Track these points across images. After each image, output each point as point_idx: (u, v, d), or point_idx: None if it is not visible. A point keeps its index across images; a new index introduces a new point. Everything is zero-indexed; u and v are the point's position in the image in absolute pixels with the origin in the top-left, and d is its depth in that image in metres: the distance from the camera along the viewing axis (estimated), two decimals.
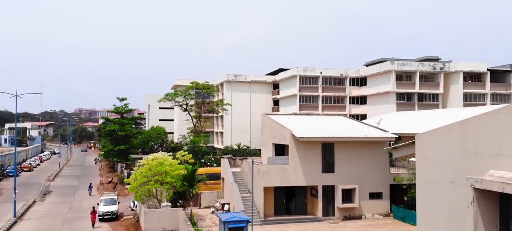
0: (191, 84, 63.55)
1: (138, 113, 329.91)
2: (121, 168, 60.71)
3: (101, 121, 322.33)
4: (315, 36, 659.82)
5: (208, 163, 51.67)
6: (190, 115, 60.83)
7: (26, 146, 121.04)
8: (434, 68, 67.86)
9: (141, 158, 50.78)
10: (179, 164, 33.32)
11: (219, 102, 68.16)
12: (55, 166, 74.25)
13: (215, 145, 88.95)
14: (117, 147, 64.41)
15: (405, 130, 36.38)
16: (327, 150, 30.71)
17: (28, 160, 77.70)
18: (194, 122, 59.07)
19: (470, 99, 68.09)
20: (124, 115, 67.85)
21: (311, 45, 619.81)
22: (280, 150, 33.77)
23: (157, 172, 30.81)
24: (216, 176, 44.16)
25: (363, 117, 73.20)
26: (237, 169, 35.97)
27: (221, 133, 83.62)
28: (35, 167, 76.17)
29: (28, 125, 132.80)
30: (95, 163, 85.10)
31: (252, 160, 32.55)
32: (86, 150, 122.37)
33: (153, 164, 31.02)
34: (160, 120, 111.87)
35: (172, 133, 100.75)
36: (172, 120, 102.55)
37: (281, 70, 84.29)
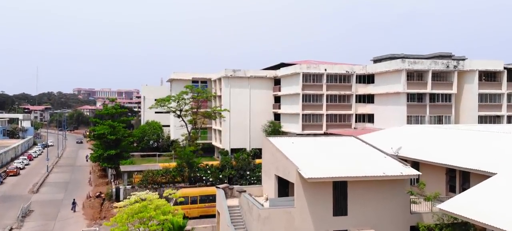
0: (186, 88, 58.56)
1: (136, 96, 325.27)
2: (112, 176, 56.55)
3: (99, 103, 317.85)
4: (319, 28, 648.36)
5: (204, 178, 47.35)
6: (184, 121, 56.25)
7: (18, 137, 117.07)
8: (448, 66, 63.15)
9: (131, 174, 47.06)
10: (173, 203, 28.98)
11: (217, 109, 63.58)
12: (45, 167, 69.99)
13: (213, 142, 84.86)
14: (107, 152, 60.14)
15: (424, 155, 32.06)
16: (339, 190, 26.40)
17: (15, 162, 73.47)
18: (189, 130, 54.54)
19: (485, 100, 63.61)
20: (115, 116, 63.25)
21: (314, 38, 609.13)
22: (284, 183, 29.50)
23: (140, 218, 26.51)
24: (213, 198, 39.93)
25: (370, 117, 68.92)
26: (235, 201, 31.75)
27: (220, 131, 79.34)
28: (22, 168, 72.00)
29: (20, 116, 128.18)
30: (87, 160, 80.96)
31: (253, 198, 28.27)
32: (81, 142, 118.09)
33: (135, 209, 26.67)
34: (156, 113, 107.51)
35: (168, 126, 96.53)
36: (168, 112, 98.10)
37: (282, 65, 79.58)
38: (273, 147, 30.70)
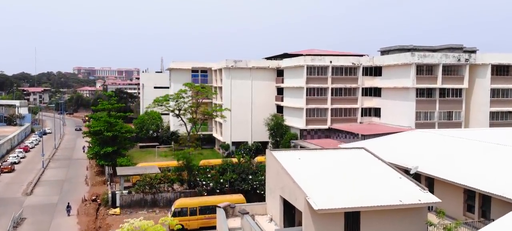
0: (185, 86, 55.84)
1: (136, 78, 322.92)
2: (109, 175, 54.43)
3: (98, 84, 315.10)
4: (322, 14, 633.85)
5: (204, 183, 45.10)
6: (183, 121, 53.68)
7: (15, 124, 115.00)
8: (459, 60, 60.35)
9: (128, 180, 44.64)
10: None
11: (217, 109, 60.95)
12: (41, 162, 67.84)
13: (214, 134, 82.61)
14: (103, 149, 57.94)
15: (440, 171, 29.76)
16: (352, 219, 24.15)
17: (10, 156, 71.29)
18: (189, 129, 52.07)
19: (497, 95, 61.00)
20: (112, 112, 60.78)
21: (318, 24, 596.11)
22: (291, 206, 27.24)
23: None
24: (214, 208, 37.70)
25: (377, 111, 66.47)
26: (237, 222, 29.55)
27: (220, 123, 76.95)
28: (18, 163, 69.97)
29: (16, 102, 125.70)
30: (84, 151, 79.02)
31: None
32: (80, 129, 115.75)
33: None
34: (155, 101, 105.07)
35: (167, 113, 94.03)
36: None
37: (286, 55, 76.66)
38: (278, 164, 28.32)
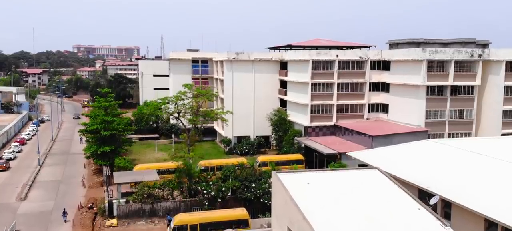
0: (185, 87, 53.26)
1: (136, 58, 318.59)
2: (106, 178, 52.39)
3: (98, 64, 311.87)
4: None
5: (205, 192, 42.99)
6: (183, 124, 51.29)
7: (13, 112, 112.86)
8: (472, 56, 57.58)
9: (126, 187, 42.44)
10: None
11: (219, 112, 58.47)
12: (36, 158, 65.79)
13: (215, 127, 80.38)
14: (101, 149, 55.84)
15: (458, 194, 27.65)
16: None
17: (5, 152, 69.11)
18: (189, 134, 49.72)
19: (511, 93, 58.33)
20: (108, 110, 58.40)
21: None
22: None
23: None
24: (217, 225, 35.70)
25: (384, 106, 64.07)
26: None
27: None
28: (14, 159, 67.95)
29: (13, 89, 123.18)
30: (81, 142, 77.03)
31: None
32: (78, 117, 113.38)
33: None
34: (154, 89, 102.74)
35: (168, 102, 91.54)
36: (167, 88, 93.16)
37: (290, 46, 73.84)
38: (286, 193, 26.06)
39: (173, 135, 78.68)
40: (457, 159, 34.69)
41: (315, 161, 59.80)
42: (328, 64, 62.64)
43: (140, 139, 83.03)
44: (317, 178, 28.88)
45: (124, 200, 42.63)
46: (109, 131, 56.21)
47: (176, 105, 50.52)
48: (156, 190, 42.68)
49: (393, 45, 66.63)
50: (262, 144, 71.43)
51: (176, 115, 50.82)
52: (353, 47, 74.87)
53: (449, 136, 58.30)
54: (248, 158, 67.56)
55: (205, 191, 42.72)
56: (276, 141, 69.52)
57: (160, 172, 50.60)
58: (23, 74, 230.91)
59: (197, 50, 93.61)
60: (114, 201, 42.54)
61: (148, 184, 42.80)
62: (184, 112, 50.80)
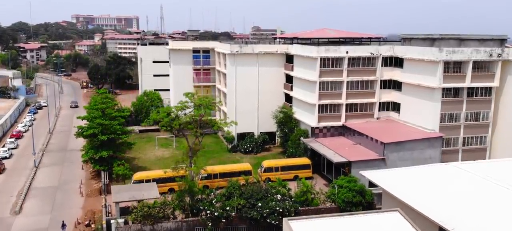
0: (186, 96, 50.05)
1: (136, 32, 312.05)
2: (105, 185, 49.97)
3: (97, 38, 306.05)
4: None
5: (208, 212, 40.50)
6: (186, 137, 48.32)
7: (9, 97, 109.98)
8: (491, 55, 54.13)
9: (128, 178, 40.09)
10: None
11: (221, 124, 55.42)
12: (32, 157, 63.29)
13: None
14: (99, 154, 53.28)
15: None
16: None
17: (0, 150, 66.45)
18: (191, 144, 46.81)
19: None
20: (106, 112, 55.47)
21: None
22: None
23: None
24: None
25: (396, 105, 61.05)
26: None
27: (225, 113, 71.76)
28: (9, 157, 65.47)
29: (9, 73, 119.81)
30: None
31: None
32: (76, 105, 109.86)
33: None
34: (154, 75, 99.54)
35: (168, 89, 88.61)
36: (167, 75, 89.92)
37: (296, 39, 70.15)
38: None
39: (175, 132, 75.89)
40: (480, 192, 31.99)
41: (322, 163, 57.26)
42: (337, 62, 59.23)
43: (140, 131, 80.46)
44: (332, 226, 26.26)
45: (123, 220, 40.24)
46: (107, 135, 53.46)
47: (174, 120, 47.30)
48: (157, 209, 40.18)
49: (406, 40, 62.89)
50: (266, 141, 68.76)
51: (177, 127, 47.77)
52: (362, 39, 71.06)
53: (463, 139, 55.59)
54: (252, 158, 65.18)
55: (208, 212, 40.25)
56: (281, 138, 66.85)
57: (160, 180, 48.26)
58: (21, 49, 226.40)
59: (197, 31, 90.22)
60: (112, 221, 40.14)
61: (148, 205, 40.28)
62: (186, 122, 47.79)
